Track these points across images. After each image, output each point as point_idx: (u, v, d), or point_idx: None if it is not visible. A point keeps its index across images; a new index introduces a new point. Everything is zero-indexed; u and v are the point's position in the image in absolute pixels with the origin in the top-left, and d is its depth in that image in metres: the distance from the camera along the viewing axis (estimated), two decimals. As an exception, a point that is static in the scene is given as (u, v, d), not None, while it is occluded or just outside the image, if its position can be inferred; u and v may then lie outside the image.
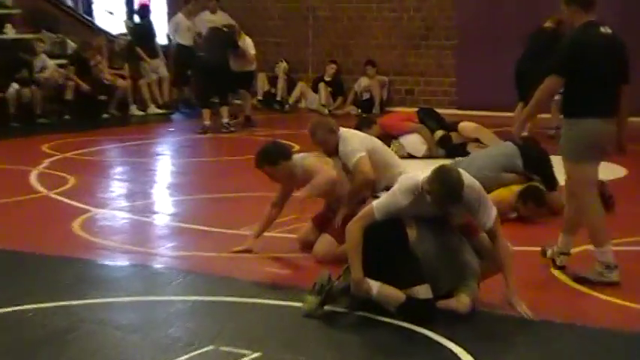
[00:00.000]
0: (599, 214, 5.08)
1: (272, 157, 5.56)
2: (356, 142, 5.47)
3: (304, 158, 5.64)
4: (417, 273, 4.43)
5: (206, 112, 11.98)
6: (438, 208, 4.45)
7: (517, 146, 7.09)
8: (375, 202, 4.50)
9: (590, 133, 4.95)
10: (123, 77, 14.01)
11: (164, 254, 5.90)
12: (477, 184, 4.53)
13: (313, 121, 5.67)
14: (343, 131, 5.58)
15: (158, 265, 5.64)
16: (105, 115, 13.69)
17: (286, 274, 5.43)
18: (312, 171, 5.52)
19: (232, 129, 12.04)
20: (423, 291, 4.40)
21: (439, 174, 4.40)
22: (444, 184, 4.35)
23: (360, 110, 14.26)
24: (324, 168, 5.52)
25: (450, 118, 10.43)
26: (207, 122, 11.94)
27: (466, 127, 9.66)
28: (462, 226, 4.66)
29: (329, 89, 14.75)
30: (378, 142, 5.62)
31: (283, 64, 15.21)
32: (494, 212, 4.52)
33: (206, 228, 6.49)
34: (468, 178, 4.47)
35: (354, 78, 14.96)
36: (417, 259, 4.44)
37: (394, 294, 4.41)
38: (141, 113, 14.18)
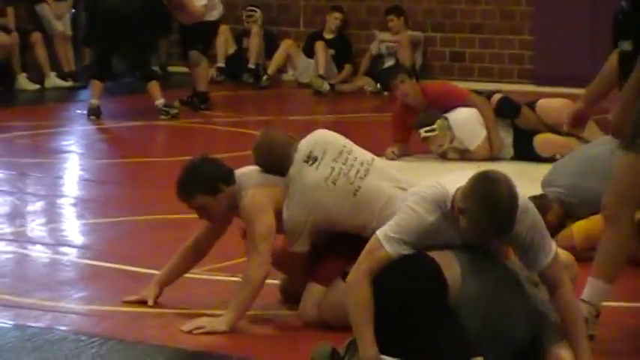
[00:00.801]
0: None
1: (209, 180, 5.61)
2: (300, 218, 5.57)
3: (248, 188, 5.67)
4: (464, 340, 4.45)
5: (95, 86, 12.16)
6: (474, 238, 4.49)
7: None
8: (379, 232, 4.55)
9: None
10: (5, 29, 14.05)
11: (69, 310, 5.89)
12: (529, 203, 4.62)
13: (259, 141, 5.81)
14: (292, 173, 5.62)
15: (60, 328, 5.62)
16: (-23, 90, 13.75)
17: (266, 344, 5.44)
18: (250, 216, 5.60)
19: (174, 112, 12.13)
20: None
21: (483, 187, 4.43)
22: (493, 205, 4.38)
23: (378, 85, 14.28)
24: (262, 213, 5.58)
25: (522, 98, 10.45)
26: (94, 101, 12.12)
27: (550, 105, 9.67)
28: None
29: (330, 52, 14.82)
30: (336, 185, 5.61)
31: (257, 14, 15.25)
32: (553, 246, 4.60)
33: (134, 268, 6.49)
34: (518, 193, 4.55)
35: (369, 34, 14.99)
36: (458, 317, 4.47)
37: None
38: (34, 87, 14.21)
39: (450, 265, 4.53)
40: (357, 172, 5.62)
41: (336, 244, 5.63)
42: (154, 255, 6.68)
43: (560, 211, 6.94)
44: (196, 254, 5.88)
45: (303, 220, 5.57)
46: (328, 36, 14.93)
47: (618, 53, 5.33)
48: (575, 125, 5.68)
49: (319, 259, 5.68)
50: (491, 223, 4.41)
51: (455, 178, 4.61)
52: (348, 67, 14.91)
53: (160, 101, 12.14)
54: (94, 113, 12.06)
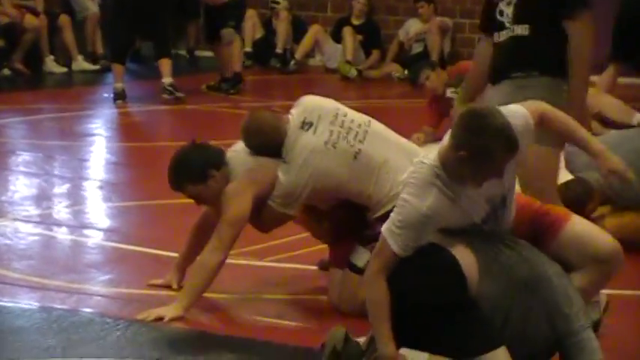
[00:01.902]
0: None
1: (198, 169, 5.62)
2: (300, 182, 5.54)
3: (237, 171, 5.67)
4: (485, 331, 4.42)
5: (117, 69, 12.10)
6: (488, 173, 4.39)
7: None
8: (384, 228, 4.50)
9: None
10: (34, 12, 14.06)
11: (95, 292, 5.92)
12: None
13: (248, 124, 5.76)
14: (288, 141, 5.60)
15: (85, 310, 5.65)
16: (5, 72, 13.79)
17: (285, 327, 5.44)
18: (225, 202, 5.57)
19: (179, 94, 12.10)
20: (500, 358, 4.38)
21: (475, 120, 4.36)
22: (493, 130, 4.31)
23: (406, 71, 14.25)
24: (236, 201, 5.55)
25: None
26: (118, 84, 12.06)
27: None
28: (529, 230, 4.66)
29: (358, 37, 14.80)
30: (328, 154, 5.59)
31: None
32: (521, 108, 4.59)
33: (160, 252, 6.52)
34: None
35: (398, 20, 14.96)
36: (478, 309, 4.44)
37: None
38: (62, 70, 14.25)
39: (467, 259, 4.47)
40: (356, 134, 5.60)
41: (350, 226, 5.63)
42: (179, 238, 6.66)
43: (598, 200, 6.83)
44: (207, 232, 5.81)
45: (302, 183, 5.52)
46: (356, 21, 14.92)
47: (511, 37, 5.31)
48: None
49: (336, 243, 5.69)
50: (504, 146, 4.33)
51: (430, 152, 4.53)
52: (375, 53, 14.90)
53: (166, 80, 12.06)
54: (120, 97, 12.06)
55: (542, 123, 4.62)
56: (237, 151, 5.74)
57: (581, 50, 5.20)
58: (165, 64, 12.07)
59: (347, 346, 4.55)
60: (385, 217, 5.38)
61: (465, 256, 4.47)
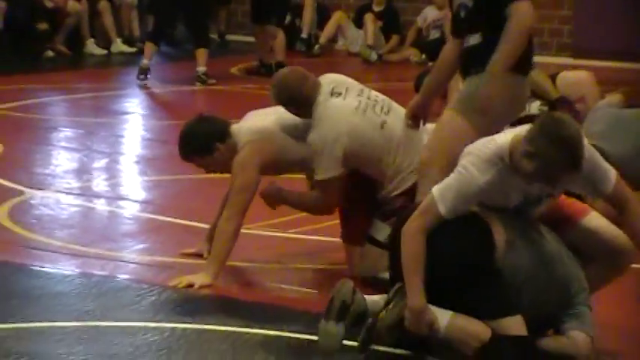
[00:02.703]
0: None
1: (203, 142, 5.61)
2: (331, 135, 5.46)
3: (242, 142, 5.62)
4: (507, 298, 4.43)
5: (149, 47, 12.07)
6: (546, 178, 4.37)
7: None
8: (435, 189, 4.46)
9: None
10: (76, -2, 14.12)
11: (131, 260, 5.94)
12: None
13: (277, 77, 5.74)
14: (320, 101, 5.56)
15: (122, 276, 5.67)
16: (49, 53, 13.79)
17: (313, 296, 5.45)
18: (234, 172, 5.56)
19: (211, 81, 12.05)
20: (516, 325, 4.40)
21: (554, 127, 4.31)
22: (567, 144, 4.27)
23: (424, 55, 14.24)
24: (243, 170, 5.52)
25: (558, 70, 10.33)
26: (145, 61, 11.99)
27: (569, 77, 9.51)
28: (551, 217, 4.65)
29: (379, 23, 14.77)
30: (366, 116, 5.55)
31: None
32: (612, 171, 4.53)
33: (193, 223, 6.52)
34: None
35: (416, 7, 14.91)
36: (502, 277, 4.44)
37: (474, 328, 4.40)
38: (102, 52, 14.26)
39: (498, 231, 4.47)
40: (382, 107, 5.59)
41: (358, 205, 5.63)
42: (210, 210, 6.67)
43: None
44: None
45: (333, 137, 5.46)
46: (377, 8, 14.89)
47: (465, 48, 5.23)
48: (414, 118, 5.52)
49: (345, 221, 5.68)
50: (566, 161, 4.29)
51: (510, 132, 4.51)
52: (395, 38, 14.87)
53: (200, 68, 12.01)
54: (143, 72, 11.93)
55: (621, 208, 4.54)
56: (241, 125, 5.72)
57: (513, 29, 5.06)
58: (201, 54, 12.04)
59: (355, 299, 4.53)
60: (404, 193, 5.41)
61: (496, 228, 4.48)
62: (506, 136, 4.45)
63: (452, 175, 4.47)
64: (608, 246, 4.63)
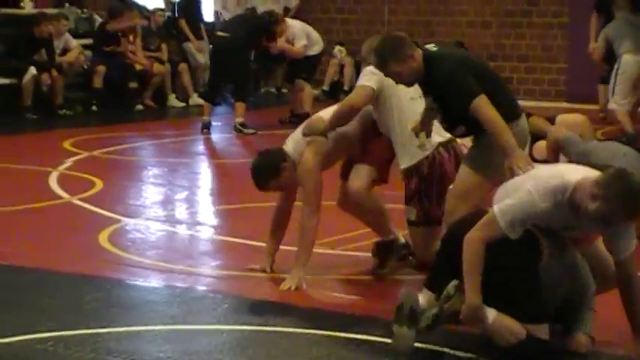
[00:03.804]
0: None
1: (272, 168, 5.62)
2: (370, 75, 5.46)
3: (296, 155, 5.64)
4: (545, 308, 4.38)
5: (205, 106, 11.94)
6: (600, 220, 4.24)
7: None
8: (496, 207, 4.33)
9: None
10: (160, 61, 14.21)
11: (207, 274, 5.96)
12: None
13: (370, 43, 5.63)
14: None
15: (200, 287, 5.70)
16: (138, 107, 13.90)
17: (358, 301, 5.43)
18: (301, 180, 5.58)
19: (249, 131, 11.70)
20: (544, 331, 4.37)
21: (622, 180, 4.18)
22: (631, 197, 4.16)
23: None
24: (309, 175, 5.54)
25: (556, 112, 10.28)
26: (205, 117, 11.84)
27: (567, 120, 9.43)
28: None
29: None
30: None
31: (338, 47, 15.19)
32: (634, 241, 4.42)
33: (258, 243, 6.50)
34: None
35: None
36: (542, 284, 4.36)
37: (513, 327, 4.32)
38: (181, 104, 14.35)
39: (542, 242, 4.39)
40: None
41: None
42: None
43: None
44: (284, 219, 5.86)
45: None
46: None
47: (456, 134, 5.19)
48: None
49: (363, 155, 5.71)
50: (625, 211, 4.19)
51: (576, 171, 4.37)
52: (420, 89, 14.82)
53: (238, 119, 11.73)
54: (205, 127, 11.80)
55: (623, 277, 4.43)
56: (289, 149, 5.70)
57: (488, 125, 4.81)
58: (239, 107, 11.76)
59: (420, 305, 4.42)
60: (409, 175, 5.48)
61: (541, 240, 4.39)
62: (575, 175, 4.30)
63: (515, 197, 4.33)
64: (604, 273, 4.58)
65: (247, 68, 11.99)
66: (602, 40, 11.02)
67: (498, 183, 4.78)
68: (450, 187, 5.33)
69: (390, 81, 5.21)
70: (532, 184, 4.33)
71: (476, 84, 4.84)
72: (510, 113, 4.96)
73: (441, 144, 5.54)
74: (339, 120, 5.55)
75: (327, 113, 5.67)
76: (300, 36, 12.38)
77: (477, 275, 4.30)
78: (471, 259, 4.31)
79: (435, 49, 5.01)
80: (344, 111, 5.56)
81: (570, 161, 5.72)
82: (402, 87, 5.23)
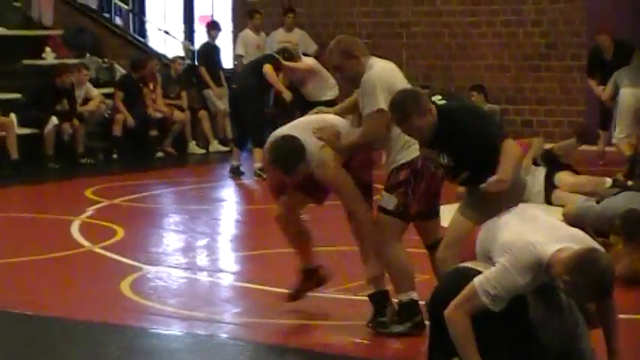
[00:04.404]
0: None
1: (299, 149, 5.60)
2: (380, 87, 5.46)
3: (312, 153, 5.63)
4: (546, 352, 4.38)
5: (235, 151, 12.10)
6: (572, 298, 4.35)
7: None
8: (477, 281, 4.33)
9: None
10: (180, 108, 14.31)
11: (229, 321, 5.97)
12: None
13: (334, 41, 5.68)
14: (372, 63, 5.56)
15: (222, 335, 5.71)
16: (159, 154, 13.96)
17: (382, 347, 5.42)
18: (335, 187, 5.65)
19: (265, 176, 11.87)
20: None
21: (589, 266, 4.16)
22: (598, 286, 4.19)
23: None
24: (341, 181, 5.61)
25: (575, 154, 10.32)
26: (234, 162, 11.99)
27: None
28: None
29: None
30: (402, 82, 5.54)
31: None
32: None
33: (279, 289, 6.51)
34: None
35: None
36: (533, 338, 4.37)
37: None
38: (201, 151, 14.41)
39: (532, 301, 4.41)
40: None
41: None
42: (291, 278, 6.74)
43: None
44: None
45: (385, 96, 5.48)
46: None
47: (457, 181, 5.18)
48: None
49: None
50: (593, 297, 4.28)
51: (548, 237, 4.34)
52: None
53: (257, 165, 11.68)
54: (233, 171, 11.92)
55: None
56: (304, 139, 5.69)
57: (506, 158, 4.85)
58: (257, 153, 11.71)
59: None
60: (400, 167, 5.42)
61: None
62: (548, 247, 4.29)
63: (493, 271, 4.33)
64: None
65: (261, 114, 12.06)
66: (612, 82, 11.69)
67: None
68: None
69: (392, 89, 5.29)
70: (507, 258, 4.31)
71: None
72: None
73: None
74: (358, 148, 5.62)
75: (335, 120, 5.77)
76: (314, 67, 12.17)
77: (472, 347, 4.31)
78: (461, 335, 4.33)
79: (443, 101, 5.02)
80: (366, 141, 5.58)
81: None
82: None
